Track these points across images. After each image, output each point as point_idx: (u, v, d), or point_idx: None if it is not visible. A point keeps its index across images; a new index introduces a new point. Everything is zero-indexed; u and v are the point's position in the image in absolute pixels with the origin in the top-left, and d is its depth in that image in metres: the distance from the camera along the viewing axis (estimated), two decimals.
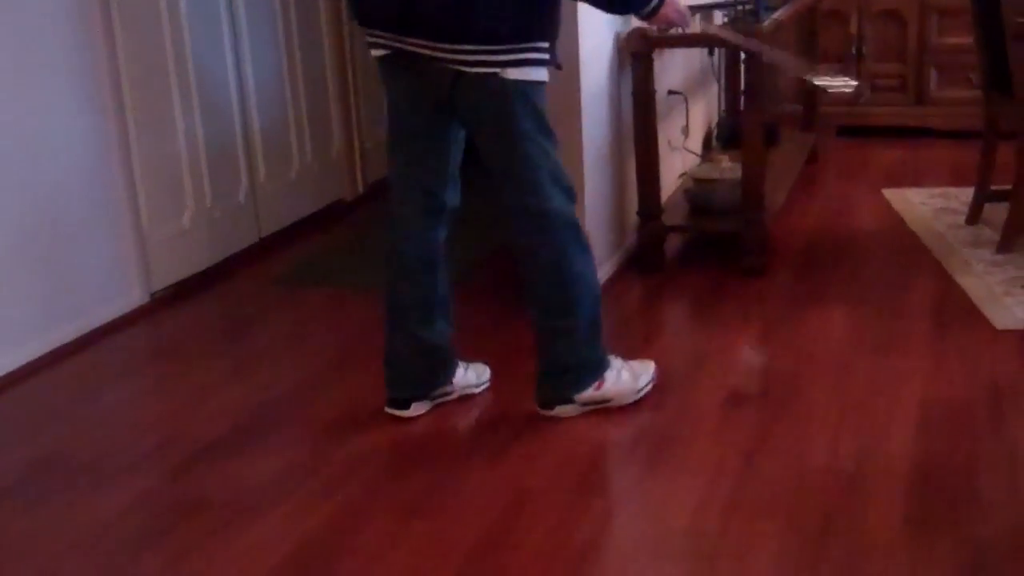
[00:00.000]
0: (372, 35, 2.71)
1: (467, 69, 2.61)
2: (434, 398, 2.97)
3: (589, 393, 2.87)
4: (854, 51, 5.66)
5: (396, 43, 2.67)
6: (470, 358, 3.08)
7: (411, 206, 2.82)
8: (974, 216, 4.28)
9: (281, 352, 3.52)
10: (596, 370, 2.87)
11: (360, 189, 5.10)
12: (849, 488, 2.51)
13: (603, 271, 3.80)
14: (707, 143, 4.98)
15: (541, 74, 2.67)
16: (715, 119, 5.10)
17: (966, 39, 5.29)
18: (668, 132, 4.32)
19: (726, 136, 4.94)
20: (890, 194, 4.73)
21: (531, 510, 2.51)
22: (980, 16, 4.09)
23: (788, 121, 5.31)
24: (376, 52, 2.73)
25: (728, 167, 4.16)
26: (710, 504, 2.48)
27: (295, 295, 3.98)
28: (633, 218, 4.06)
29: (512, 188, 2.73)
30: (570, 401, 2.87)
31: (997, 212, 4.21)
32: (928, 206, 4.53)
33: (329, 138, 4.89)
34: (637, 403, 2.95)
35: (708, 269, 3.97)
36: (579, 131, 3.56)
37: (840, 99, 5.41)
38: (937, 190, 4.76)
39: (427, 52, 2.62)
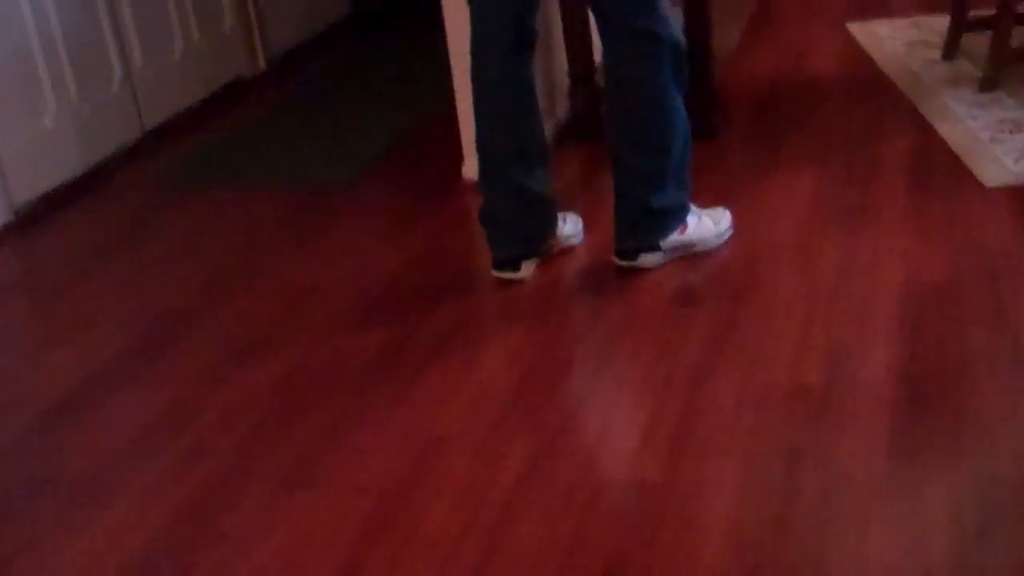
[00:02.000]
0: None
1: None
2: (542, 254, 2.75)
3: (675, 238, 2.66)
4: None
5: None
6: None
7: (501, 40, 2.59)
8: (951, 49, 3.78)
9: (169, 269, 3.02)
10: (681, 213, 2.67)
11: (262, 64, 4.53)
12: (819, 412, 2.07)
13: None
14: None
15: None
16: None
17: None
18: None
19: None
20: (855, 28, 4.20)
21: (448, 452, 2.07)
22: None
23: None
24: None
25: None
26: (654, 439, 2.04)
27: (187, 198, 3.46)
28: (565, 82, 3.54)
29: (627, 6, 2.49)
30: (656, 248, 2.66)
31: (977, 43, 3.71)
32: (899, 40, 4.01)
33: (218, 6, 4.29)
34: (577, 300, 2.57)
35: None
36: None
37: None
38: (907, 20, 4.23)
39: None
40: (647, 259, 2.66)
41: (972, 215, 2.73)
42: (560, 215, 2.79)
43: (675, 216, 2.65)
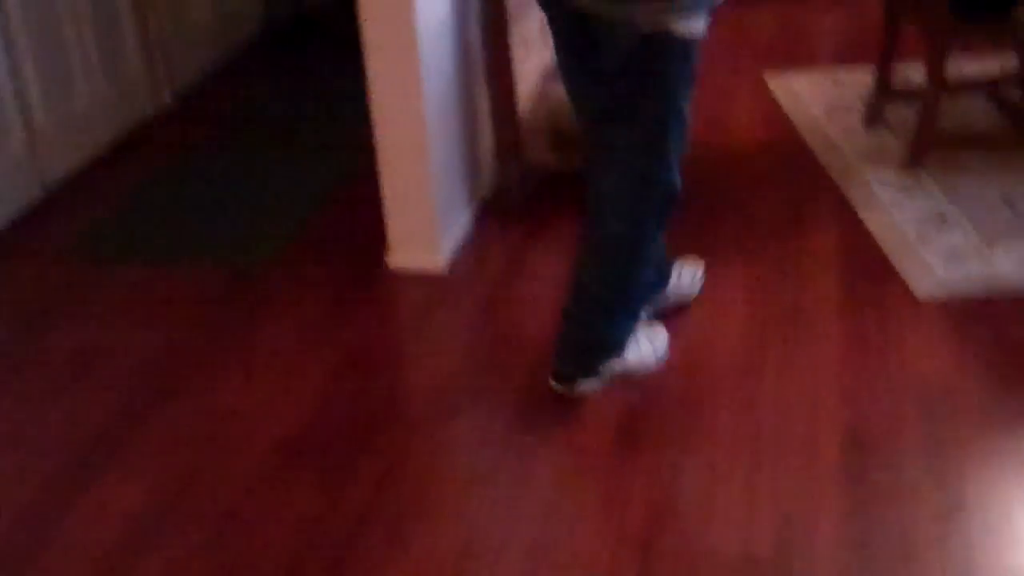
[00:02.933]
0: None
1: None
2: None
3: (615, 362, 2.64)
4: None
5: None
6: None
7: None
8: (873, 117, 3.78)
9: (61, 401, 2.86)
10: (627, 341, 2.66)
11: (168, 100, 4.33)
12: None
13: (460, 227, 3.23)
14: None
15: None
16: None
17: None
18: (524, 29, 3.66)
19: None
20: (774, 83, 4.18)
21: None
22: None
23: None
24: None
25: None
26: None
27: (89, 278, 3.28)
28: (490, 159, 3.45)
29: (637, 148, 2.44)
30: (595, 374, 2.63)
31: (900, 109, 3.73)
32: (819, 102, 4.00)
33: (121, 44, 4.07)
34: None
35: (574, 215, 3.40)
36: (416, 63, 2.89)
37: None
38: (827, 76, 4.21)
39: None
40: (585, 385, 2.62)
41: (907, 336, 2.74)
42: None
43: (620, 344, 2.63)
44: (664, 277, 2.85)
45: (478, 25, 3.25)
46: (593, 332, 2.60)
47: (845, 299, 2.90)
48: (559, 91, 3.53)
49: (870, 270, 3.02)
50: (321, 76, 4.58)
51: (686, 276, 2.92)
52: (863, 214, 3.27)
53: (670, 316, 2.84)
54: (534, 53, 3.77)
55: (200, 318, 3.03)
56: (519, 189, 3.38)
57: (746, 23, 4.76)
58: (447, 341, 2.89)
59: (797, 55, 4.46)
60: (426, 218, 3.07)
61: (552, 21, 2.46)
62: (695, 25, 2.25)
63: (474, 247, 3.24)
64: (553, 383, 2.62)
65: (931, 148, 3.47)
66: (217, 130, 4.17)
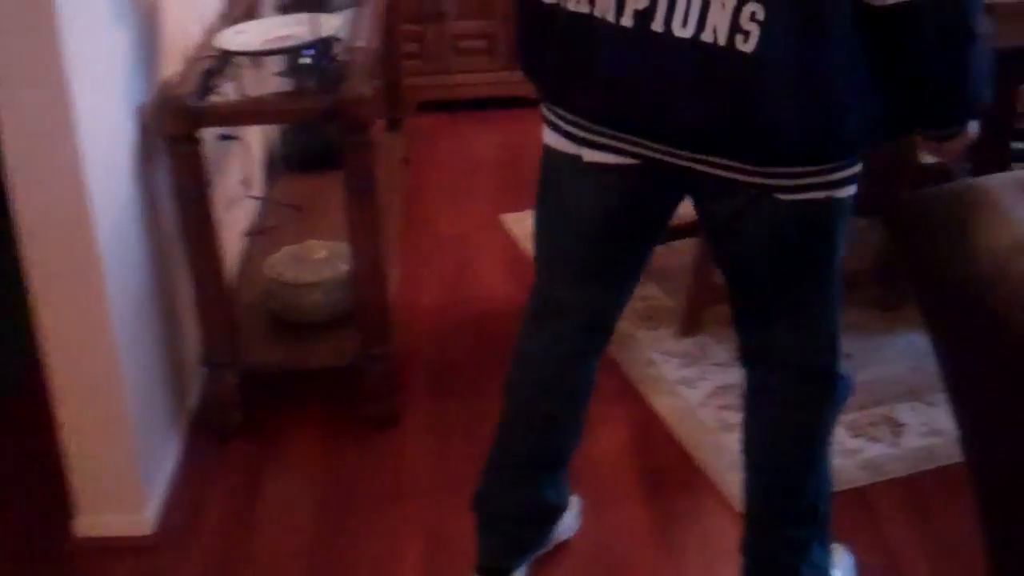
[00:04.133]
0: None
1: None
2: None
3: None
4: (432, 8, 4.51)
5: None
6: None
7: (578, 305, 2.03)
8: None
9: None
10: None
11: None
12: None
13: (167, 466, 2.53)
14: (270, 172, 3.70)
15: None
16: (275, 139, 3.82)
17: None
18: (225, 183, 3.03)
19: (294, 156, 3.71)
20: (514, 224, 3.70)
21: None
22: None
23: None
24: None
25: (324, 256, 2.94)
26: None
27: None
28: (195, 362, 2.78)
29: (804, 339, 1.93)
30: None
31: (666, 256, 3.31)
32: None
33: None
34: None
35: (313, 421, 2.78)
36: (95, 259, 2.20)
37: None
38: None
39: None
40: None
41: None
42: None
43: None
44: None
45: (171, 195, 2.58)
46: None
47: (657, 513, 2.42)
48: (279, 264, 2.92)
49: (678, 475, 2.55)
50: None
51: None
52: (651, 398, 2.82)
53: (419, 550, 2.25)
54: (237, 212, 3.15)
55: None
56: (236, 401, 2.71)
57: (466, 145, 4.27)
58: None
59: (528, 187, 3.97)
60: (124, 468, 2.36)
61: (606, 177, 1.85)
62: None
63: (188, 489, 2.56)
64: None
65: (709, 305, 3.06)
66: None
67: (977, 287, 1.50)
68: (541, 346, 2.04)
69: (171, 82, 2.60)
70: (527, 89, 4.49)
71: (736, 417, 2.61)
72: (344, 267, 2.87)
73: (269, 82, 2.62)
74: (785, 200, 1.72)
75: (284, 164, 3.74)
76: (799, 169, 1.69)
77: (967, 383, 1.61)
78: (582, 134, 1.80)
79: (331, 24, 2.68)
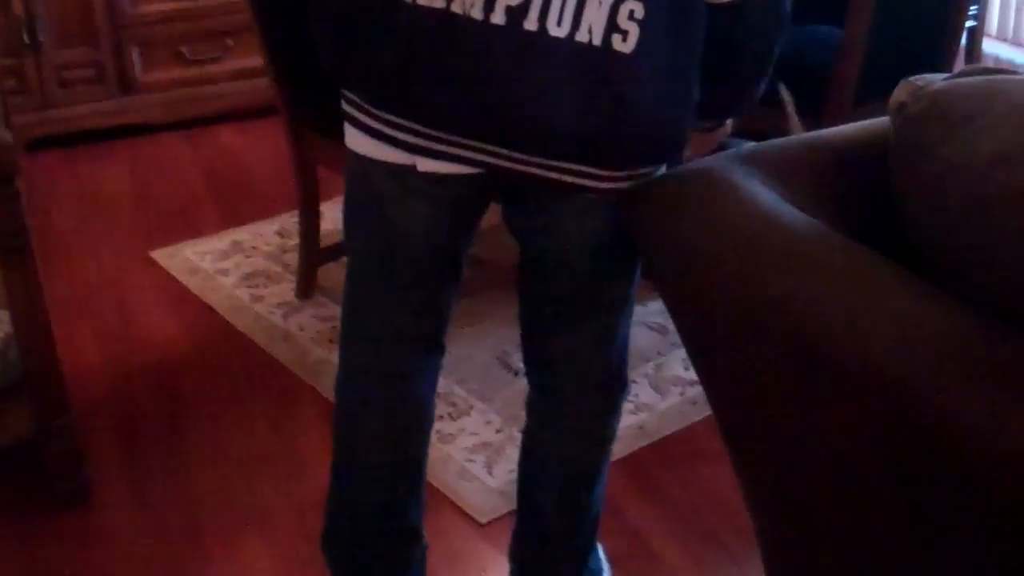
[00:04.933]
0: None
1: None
2: None
3: None
4: (27, 39, 4.13)
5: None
6: None
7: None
8: (307, 285, 3.22)
9: None
10: None
11: None
12: None
13: None
14: None
15: None
16: None
17: (168, 4, 4.22)
18: None
19: None
20: (167, 260, 3.46)
21: None
22: (271, 39, 2.94)
23: None
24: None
25: None
26: None
27: None
28: None
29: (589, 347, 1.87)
30: None
31: (333, 272, 3.23)
32: (231, 276, 3.35)
33: None
34: None
35: None
36: None
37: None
38: (220, 240, 3.57)
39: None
40: None
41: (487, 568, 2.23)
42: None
43: None
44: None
45: None
46: None
47: None
48: None
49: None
50: None
51: None
52: None
53: None
54: None
55: None
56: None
57: (100, 192, 3.94)
58: None
59: (168, 212, 3.76)
60: None
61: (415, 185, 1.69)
62: None
63: None
64: None
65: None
66: None
67: (716, 257, 1.54)
68: (380, 385, 1.89)
69: None
70: (144, 115, 4.35)
71: (448, 425, 2.58)
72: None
73: None
74: (612, 201, 1.65)
75: None
76: (648, 169, 1.63)
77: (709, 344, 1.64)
78: (417, 141, 1.62)
79: None
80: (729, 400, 1.64)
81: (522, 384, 2.72)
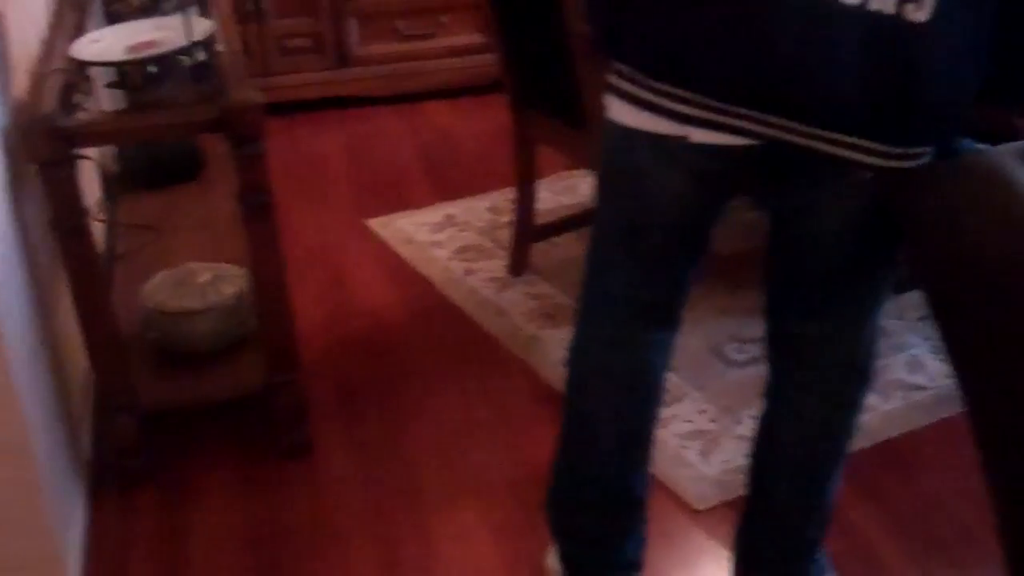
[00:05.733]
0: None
1: None
2: None
3: None
4: (252, 7, 4.28)
5: None
6: None
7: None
8: (519, 262, 3.25)
9: None
10: None
11: None
12: None
13: (74, 510, 2.28)
14: (108, 192, 3.41)
15: None
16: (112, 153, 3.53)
17: None
18: None
19: (133, 173, 3.44)
20: (382, 229, 3.54)
21: None
22: (502, 17, 2.97)
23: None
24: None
25: (208, 279, 2.72)
26: None
27: None
28: (84, 414, 2.53)
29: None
30: None
31: (544, 251, 3.25)
32: (445, 249, 3.41)
33: None
34: None
35: (221, 457, 2.57)
36: None
37: None
38: (435, 212, 3.63)
39: None
40: None
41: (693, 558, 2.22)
42: None
43: None
44: None
45: (46, 227, 2.33)
46: None
47: None
48: (158, 292, 2.68)
49: None
50: None
51: None
52: None
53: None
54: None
55: None
56: (138, 446, 2.47)
57: (316, 160, 4.06)
58: None
59: (385, 184, 3.84)
60: (39, 536, 2.10)
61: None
62: None
63: (105, 547, 2.31)
64: None
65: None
66: None
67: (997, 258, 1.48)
68: (619, 354, 1.90)
69: (26, 101, 2.34)
70: (360, 88, 4.45)
71: (667, 416, 2.57)
72: (231, 290, 2.67)
73: (144, 94, 2.39)
74: (874, 183, 1.62)
75: (122, 182, 3.46)
76: (925, 149, 1.60)
77: (971, 339, 1.58)
78: (692, 111, 1.59)
79: (202, 28, 2.47)
80: (1002, 421, 1.57)
81: (736, 376, 2.73)
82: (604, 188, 1.82)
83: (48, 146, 2.21)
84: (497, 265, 3.28)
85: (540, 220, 3.22)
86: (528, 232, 3.21)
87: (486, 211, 3.60)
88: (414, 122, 4.31)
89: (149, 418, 2.49)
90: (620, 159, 1.76)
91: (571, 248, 3.27)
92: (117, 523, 2.36)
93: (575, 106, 2.74)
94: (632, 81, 1.65)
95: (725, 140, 1.61)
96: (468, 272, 3.26)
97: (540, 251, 3.26)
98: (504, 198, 3.59)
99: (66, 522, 2.22)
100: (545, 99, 2.97)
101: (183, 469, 2.51)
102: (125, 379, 2.43)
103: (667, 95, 1.61)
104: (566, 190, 3.67)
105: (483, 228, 3.49)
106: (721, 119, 1.59)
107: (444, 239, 3.44)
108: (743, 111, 1.56)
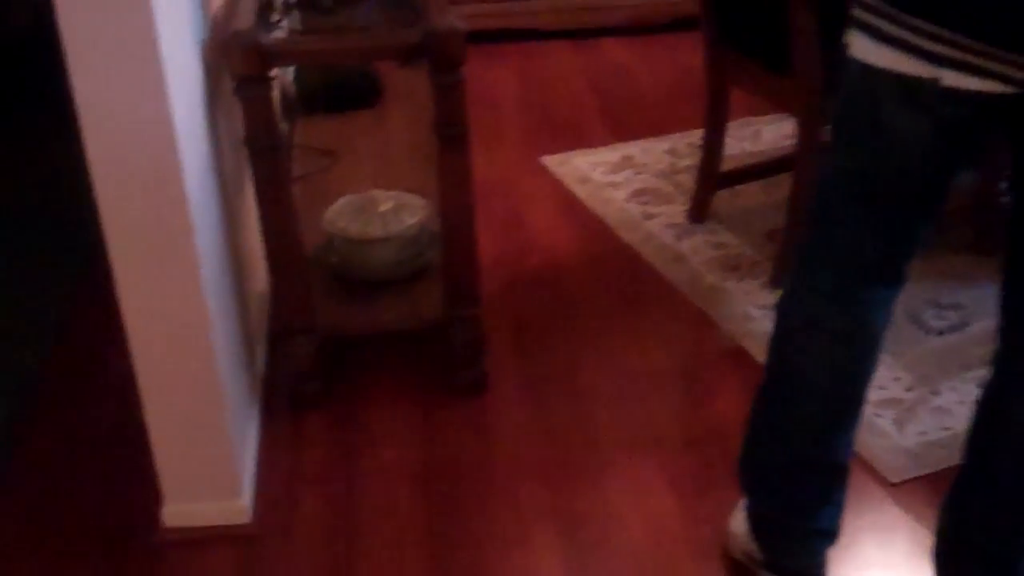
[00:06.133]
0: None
1: None
2: None
3: None
4: None
5: None
6: None
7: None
8: (701, 209, 3.13)
9: None
10: None
11: None
12: None
13: (249, 429, 2.27)
14: (286, 114, 3.39)
15: None
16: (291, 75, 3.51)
17: None
18: None
19: (312, 97, 3.41)
20: (557, 167, 3.45)
21: None
22: None
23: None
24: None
25: (390, 207, 2.67)
26: None
27: None
28: (261, 335, 2.52)
29: None
30: None
31: (724, 199, 3.13)
32: (620, 190, 3.31)
33: None
34: None
35: (394, 389, 2.53)
36: (185, 221, 1.90)
37: None
38: (611, 152, 3.54)
39: None
40: None
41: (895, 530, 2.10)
42: None
43: None
44: None
45: (241, 144, 2.30)
46: None
47: None
48: (340, 217, 2.65)
49: None
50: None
51: None
52: (760, 357, 2.60)
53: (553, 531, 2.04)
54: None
55: None
56: (314, 370, 2.45)
57: (491, 94, 3.98)
58: None
59: (563, 121, 3.75)
60: (217, 452, 2.10)
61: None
62: None
63: (276, 469, 2.30)
64: None
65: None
66: None
67: None
68: (836, 309, 1.77)
69: (223, 16, 2.31)
70: (533, 20, 4.35)
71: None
72: (412, 220, 2.62)
73: (336, 16, 2.34)
74: None
75: (301, 105, 3.44)
76: None
77: None
78: (949, 52, 1.46)
79: None
80: None
81: (935, 344, 2.58)
82: (839, 133, 1.70)
83: (247, 62, 2.18)
84: (676, 210, 3.17)
85: (723, 166, 3.09)
86: (713, 177, 3.09)
87: (664, 154, 3.48)
88: (589, 58, 4.21)
89: (324, 344, 2.46)
90: (859, 102, 1.63)
91: (755, 197, 3.15)
92: (287, 449, 2.35)
93: (782, 49, 2.60)
94: (883, 15, 1.52)
95: (980, 86, 1.48)
96: (646, 216, 3.15)
97: (722, 199, 3.14)
98: (684, 141, 3.47)
99: (243, 442, 2.21)
100: (746, 39, 2.83)
101: (355, 399, 2.48)
102: (306, 301, 2.40)
103: (921, 32, 1.48)
104: (751, 136, 3.53)
105: (662, 171, 3.38)
106: (979, 62, 1.45)
107: (621, 180, 3.34)
108: (1005, 54, 1.43)
